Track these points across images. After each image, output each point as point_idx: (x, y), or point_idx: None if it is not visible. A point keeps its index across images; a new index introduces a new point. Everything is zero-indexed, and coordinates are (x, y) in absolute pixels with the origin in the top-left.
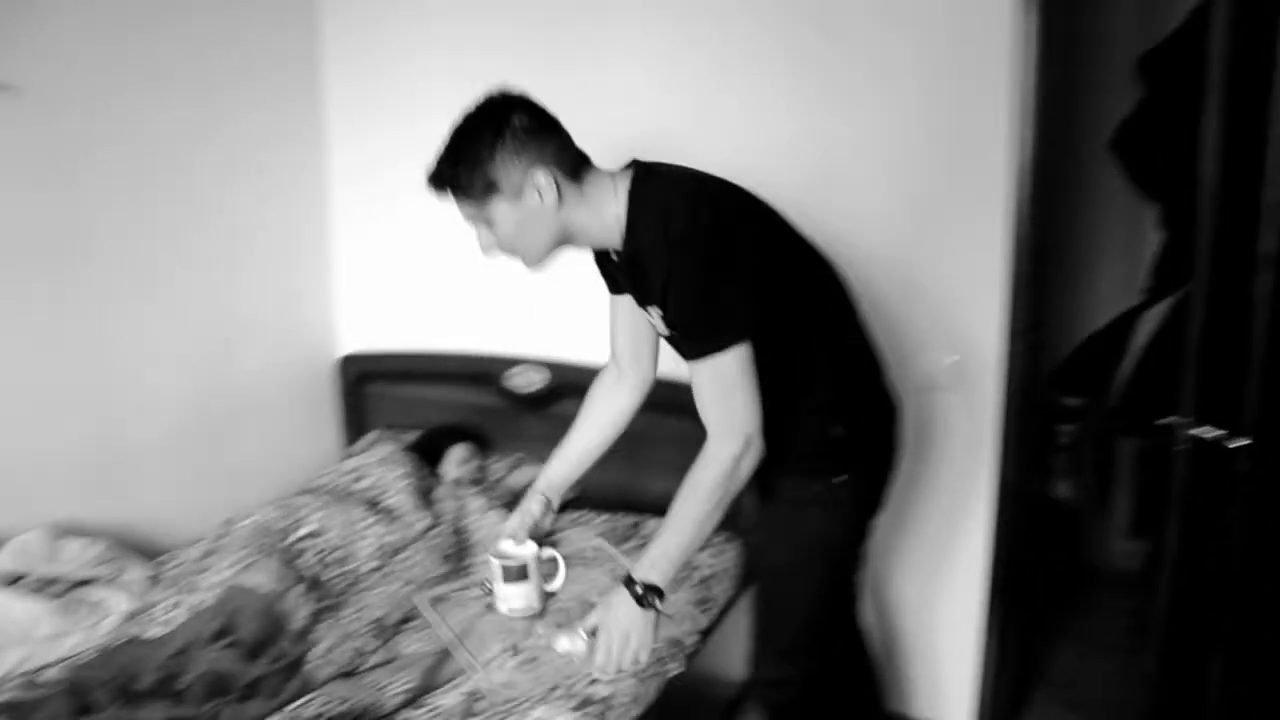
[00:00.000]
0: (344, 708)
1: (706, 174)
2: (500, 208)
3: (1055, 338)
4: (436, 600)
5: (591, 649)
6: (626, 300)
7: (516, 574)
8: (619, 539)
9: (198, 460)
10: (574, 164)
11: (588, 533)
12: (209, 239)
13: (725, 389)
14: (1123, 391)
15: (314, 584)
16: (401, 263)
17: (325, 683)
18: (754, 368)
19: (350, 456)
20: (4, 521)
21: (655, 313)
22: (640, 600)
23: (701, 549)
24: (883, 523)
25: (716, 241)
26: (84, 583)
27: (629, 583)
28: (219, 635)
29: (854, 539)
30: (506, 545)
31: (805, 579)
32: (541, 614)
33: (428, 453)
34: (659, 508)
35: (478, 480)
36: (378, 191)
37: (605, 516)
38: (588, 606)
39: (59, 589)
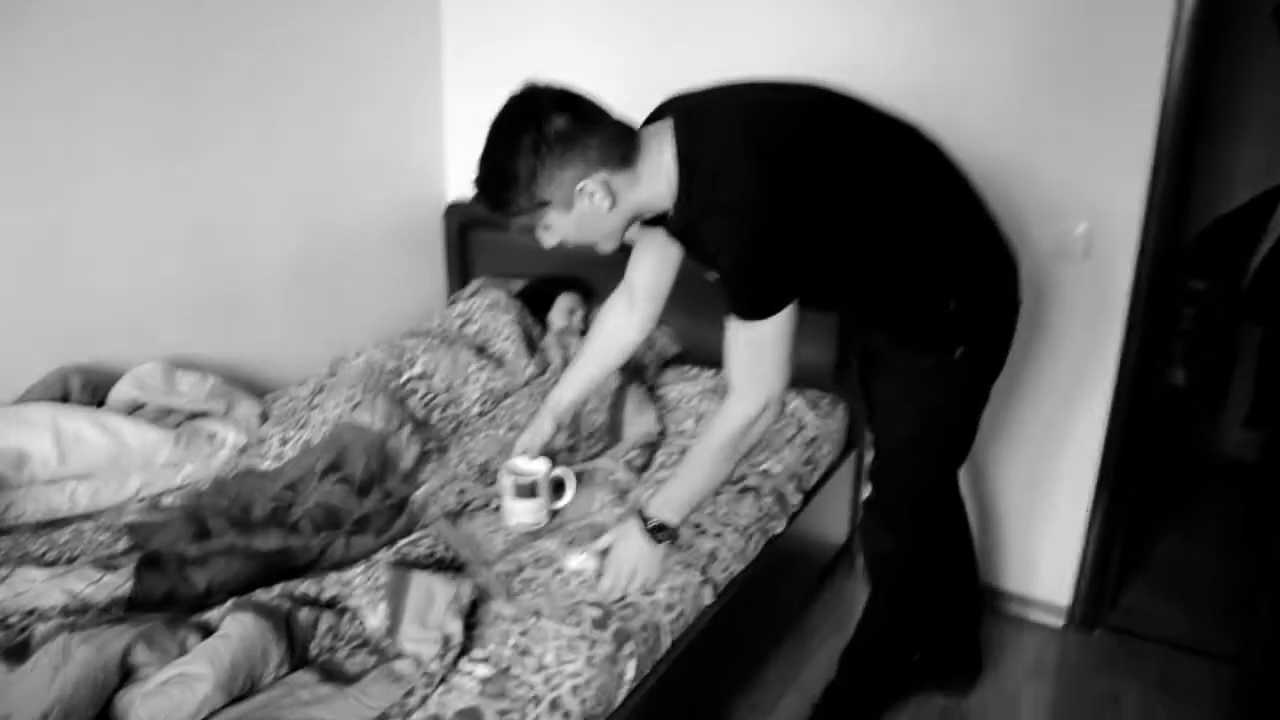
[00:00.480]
0: (449, 553)
1: (753, 101)
2: (554, 217)
3: (1189, 216)
4: (454, 517)
5: (601, 570)
6: (659, 235)
7: (527, 490)
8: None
9: (306, 302)
10: (621, 152)
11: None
12: (321, 82)
13: (757, 354)
14: (1253, 277)
15: (419, 425)
16: None
17: (431, 523)
18: (793, 330)
19: (456, 302)
20: (123, 353)
21: (711, 275)
22: (652, 534)
23: (810, 411)
24: (997, 392)
25: (768, 208)
26: (198, 415)
27: (642, 518)
28: (329, 471)
29: (972, 410)
30: (520, 462)
31: (921, 451)
32: (545, 530)
33: (533, 301)
34: None
35: (583, 331)
36: (492, 34)
37: (711, 373)
38: (595, 528)
39: (175, 420)
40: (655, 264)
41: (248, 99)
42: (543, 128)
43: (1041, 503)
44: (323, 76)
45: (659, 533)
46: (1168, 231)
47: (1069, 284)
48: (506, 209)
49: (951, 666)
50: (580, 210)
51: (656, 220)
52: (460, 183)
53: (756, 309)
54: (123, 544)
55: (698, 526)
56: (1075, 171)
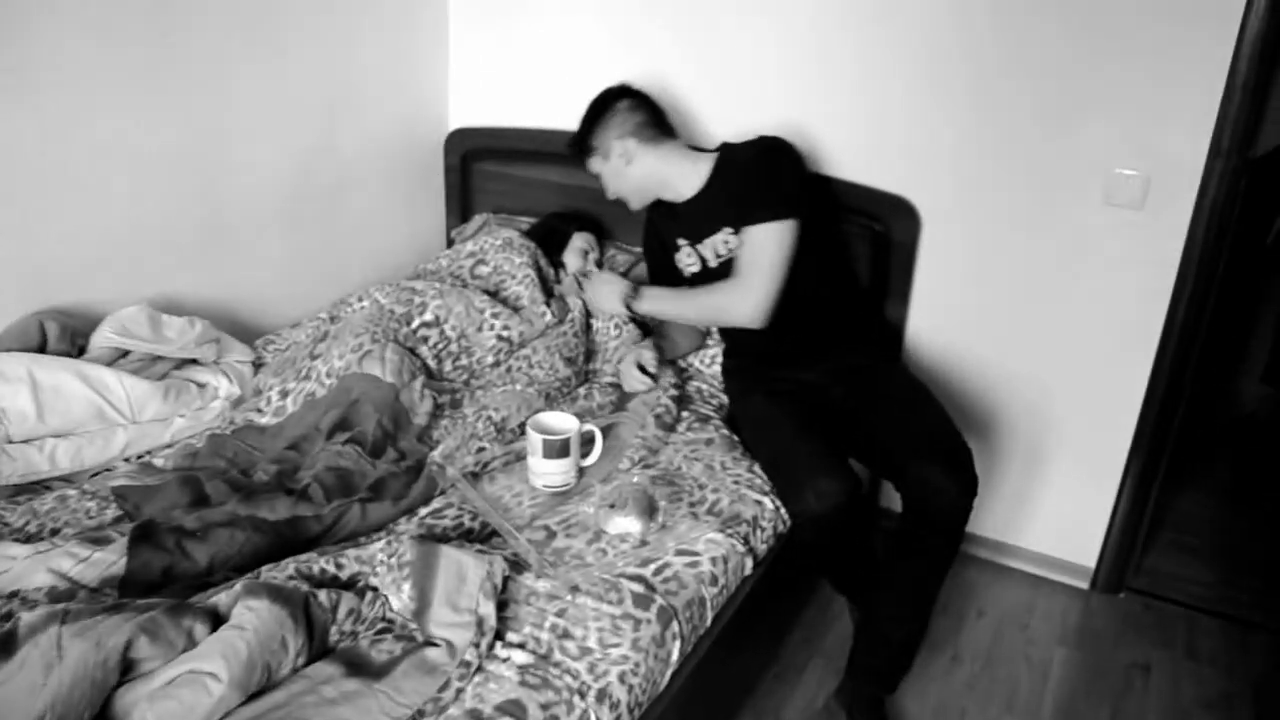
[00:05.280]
0: (475, 522)
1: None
2: (598, 163)
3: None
4: (474, 478)
5: (647, 528)
6: None
7: (559, 450)
8: None
9: (298, 235)
10: (651, 133)
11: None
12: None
13: (755, 257)
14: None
15: (431, 377)
16: (521, 28)
17: (449, 487)
18: (790, 256)
19: (463, 240)
20: (101, 296)
21: (718, 238)
22: (626, 298)
23: None
24: (1036, 346)
25: (793, 149)
26: (186, 363)
27: (628, 293)
28: (336, 429)
29: None
30: (546, 417)
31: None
32: (573, 491)
33: (544, 241)
34: None
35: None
36: None
37: None
38: (630, 489)
39: (163, 368)
40: None
41: (237, 12)
42: (608, 103)
43: (1074, 461)
44: None
45: (631, 294)
46: (1227, 180)
47: (1121, 234)
48: (577, 147)
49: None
50: (612, 164)
51: (658, 233)
52: (464, 107)
53: (783, 202)
54: (111, 512)
55: (736, 488)
56: (1133, 113)
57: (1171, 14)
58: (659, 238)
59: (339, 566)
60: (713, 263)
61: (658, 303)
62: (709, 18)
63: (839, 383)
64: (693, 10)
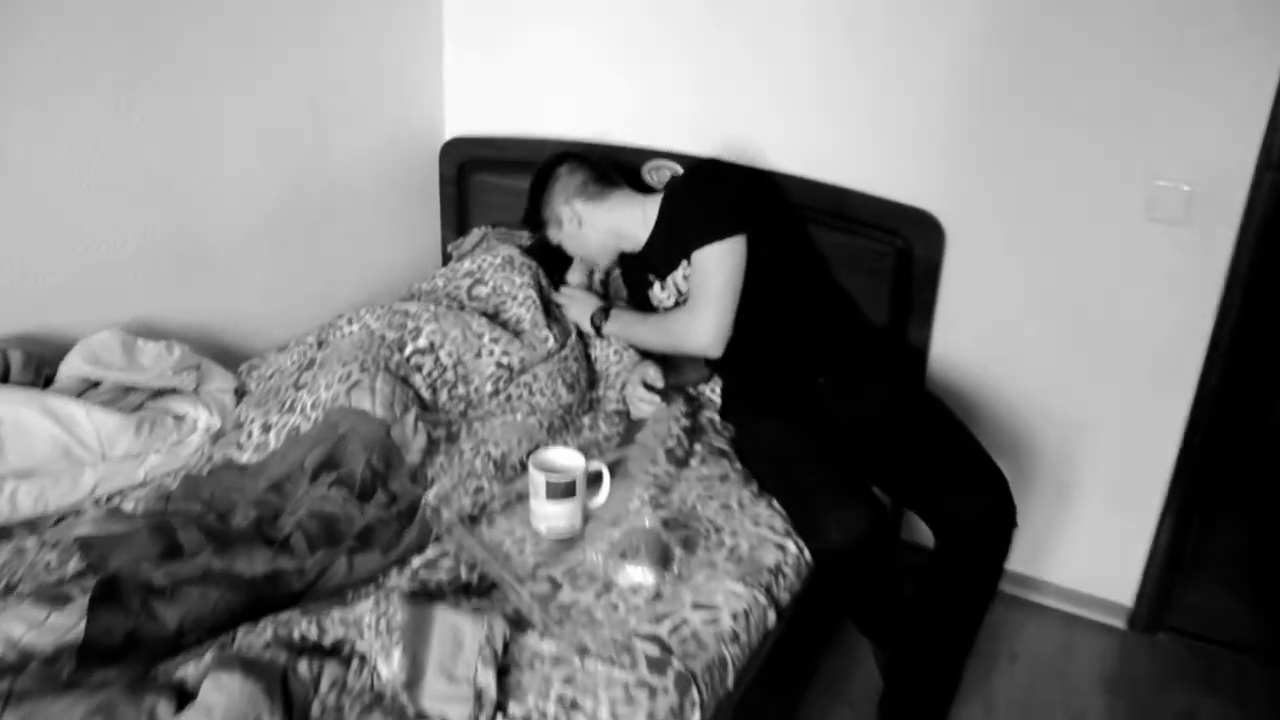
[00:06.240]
0: (473, 574)
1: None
2: (554, 233)
3: None
4: (472, 522)
5: (662, 580)
6: None
7: (563, 491)
8: None
9: (285, 253)
10: (596, 189)
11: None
12: (302, 4)
13: (721, 283)
14: None
15: (425, 408)
16: (520, 30)
17: (445, 533)
18: (738, 278)
19: (461, 257)
20: (70, 321)
21: (680, 272)
22: (594, 319)
23: None
24: (1072, 370)
25: (728, 167)
26: (163, 393)
27: (596, 314)
28: (322, 469)
29: None
30: (550, 454)
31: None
32: (581, 535)
33: (547, 259)
34: None
35: (603, 294)
36: None
37: None
38: (642, 534)
39: (136, 399)
40: None
41: (218, 14)
42: (547, 173)
43: (1111, 492)
44: None
45: (599, 316)
46: (1276, 194)
47: (1164, 249)
48: (531, 224)
49: None
50: (567, 230)
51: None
52: (460, 115)
53: (723, 220)
54: (74, 565)
55: (757, 530)
56: (1176, 121)
57: (1218, 16)
58: (632, 278)
59: (322, 630)
60: (685, 295)
61: (623, 327)
62: (713, 21)
63: (854, 402)
64: (696, 14)
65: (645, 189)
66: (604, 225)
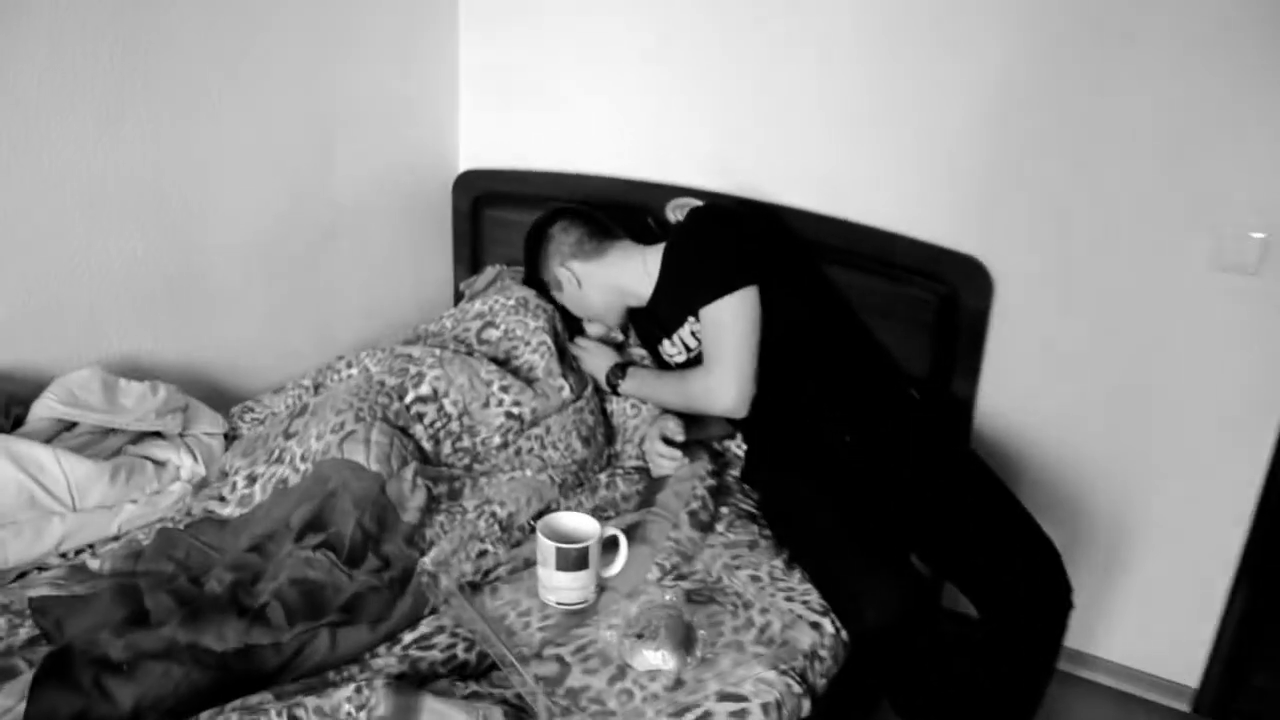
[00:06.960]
0: (473, 654)
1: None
2: (558, 295)
3: None
4: (473, 590)
5: (683, 664)
6: None
7: (575, 561)
8: None
9: (284, 286)
10: (593, 245)
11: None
12: (307, 14)
13: (716, 336)
14: None
15: (425, 462)
16: (540, 57)
17: (442, 604)
18: (754, 328)
19: (473, 297)
20: (47, 356)
21: (686, 328)
22: (612, 374)
23: None
24: (1136, 432)
25: (726, 213)
26: (145, 436)
27: (612, 372)
28: (309, 529)
29: None
30: (561, 517)
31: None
32: (593, 610)
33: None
34: None
35: (622, 342)
36: None
37: None
38: (661, 611)
39: (115, 443)
40: None
41: (215, 32)
42: (541, 234)
43: (1168, 565)
44: (309, 7)
45: (616, 374)
46: None
47: (1232, 303)
48: (533, 287)
49: None
50: (568, 292)
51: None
52: (476, 147)
53: (730, 275)
54: (26, 631)
55: (790, 607)
56: (1250, 159)
57: None
58: (642, 330)
59: None
60: (695, 350)
61: (640, 386)
62: (747, 49)
63: (887, 462)
64: (726, 42)
65: (648, 238)
66: (605, 283)
